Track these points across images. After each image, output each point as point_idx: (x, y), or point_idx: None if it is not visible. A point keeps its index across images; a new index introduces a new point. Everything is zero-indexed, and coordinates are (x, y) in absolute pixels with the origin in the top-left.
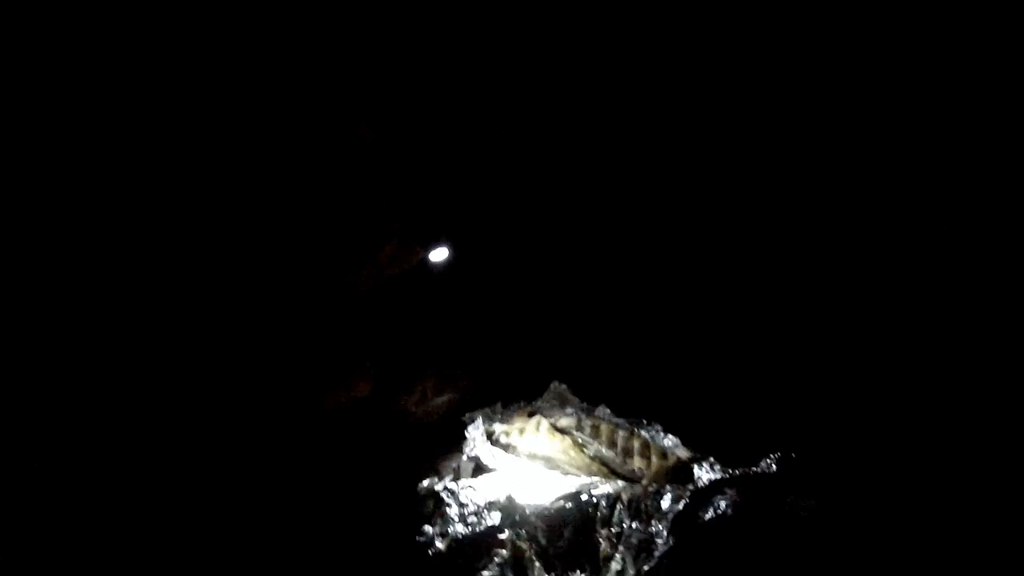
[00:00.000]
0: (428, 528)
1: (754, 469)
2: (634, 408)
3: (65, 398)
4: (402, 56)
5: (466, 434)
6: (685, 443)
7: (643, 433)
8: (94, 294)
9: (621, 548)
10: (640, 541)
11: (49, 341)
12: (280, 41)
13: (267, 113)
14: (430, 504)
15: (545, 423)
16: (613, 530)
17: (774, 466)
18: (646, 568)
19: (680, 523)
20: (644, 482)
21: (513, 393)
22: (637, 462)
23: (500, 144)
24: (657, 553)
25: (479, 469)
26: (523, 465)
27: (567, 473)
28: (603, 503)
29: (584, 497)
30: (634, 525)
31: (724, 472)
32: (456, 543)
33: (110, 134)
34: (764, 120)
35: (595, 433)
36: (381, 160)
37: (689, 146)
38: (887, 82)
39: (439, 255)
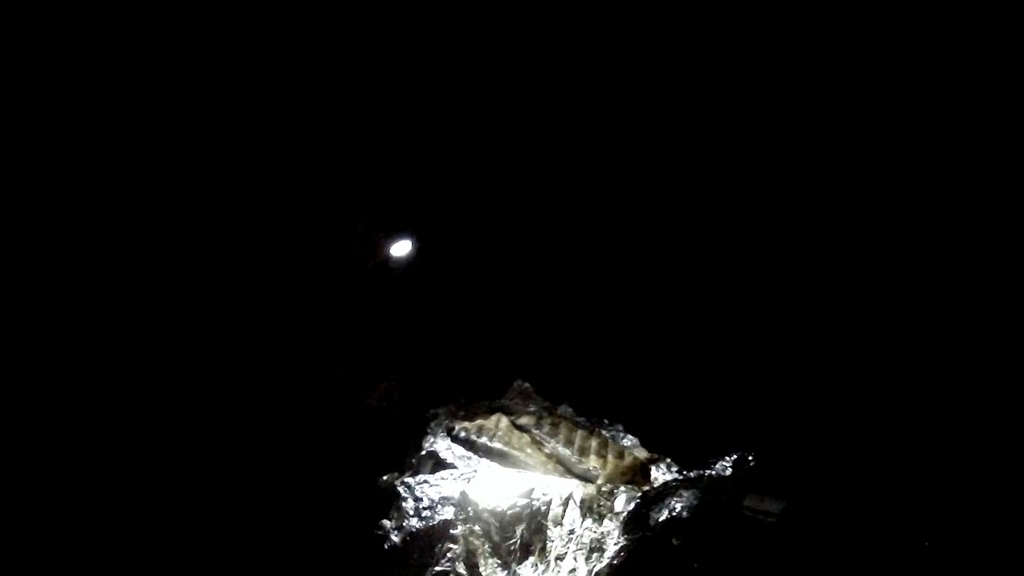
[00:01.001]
0: (385, 522)
1: (710, 472)
2: (598, 408)
3: (63, 405)
4: (369, 57)
5: (427, 430)
6: (645, 444)
7: (603, 432)
8: (90, 307)
9: (573, 547)
10: (592, 540)
11: (50, 343)
12: (249, 45)
13: (236, 117)
14: (389, 498)
15: (505, 420)
16: (566, 528)
17: (730, 468)
18: (598, 567)
19: (633, 523)
20: (599, 481)
21: (477, 390)
22: (593, 461)
23: (466, 142)
24: (609, 552)
25: (438, 465)
26: (480, 461)
27: (522, 470)
28: (556, 502)
29: (537, 495)
30: (587, 524)
31: (680, 473)
32: (410, 537)
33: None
34: (737, 119)
35: (554, 431)
36: (348, 157)
37: (649, 146)
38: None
39: (403, 250)
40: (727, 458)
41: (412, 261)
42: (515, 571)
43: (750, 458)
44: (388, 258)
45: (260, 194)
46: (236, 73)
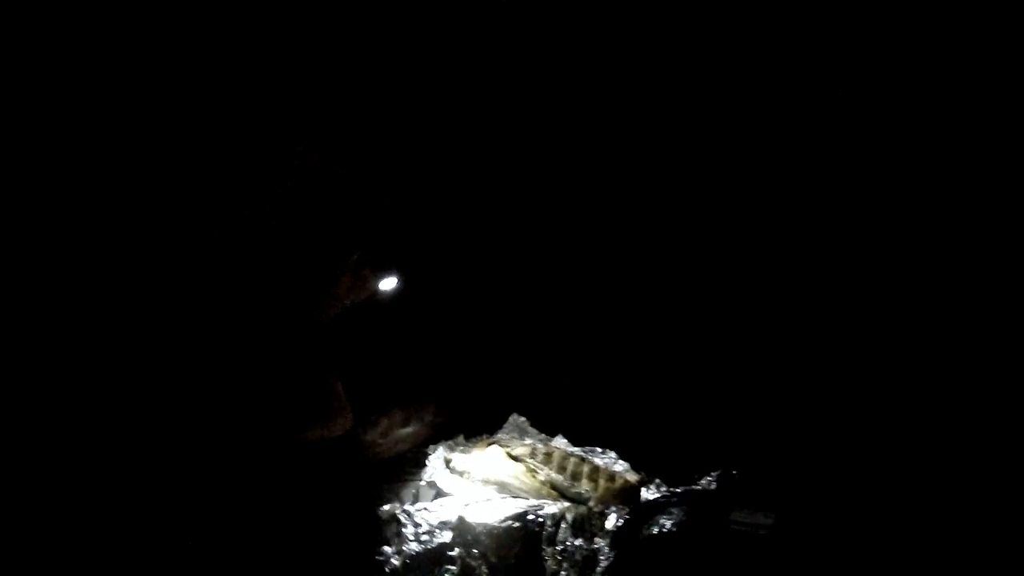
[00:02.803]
0: (387, 548)
1: (696, 488)
2: (591, 438)
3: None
4: (356, 87)
5: (427, 462)
6: (636, 468)
7: (595, 459)
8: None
9: (566, 565)
10: (584, 557)
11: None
12: (234, 72)
13: (223, 149)
14: (390, 526)
15: (501, 451)
16: (559, 547)
17: (715, 484)
18: None
19: (623, 539)
20: (591, 503)
21: (476, 426)
22: (585, 485)
23: (456, 176)
24: (601, 567)
25: (437, 494)
26: (477, 489)
27: (517, 496)
28: (549, 522)
29: (531, 517)
30: (578, 542)
31: (668, 491)
32: (410, 559)
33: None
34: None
35: (547, 460)
36: (338, 191)
37: (640, 185)
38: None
39: (391, 284)
40: (712, 474)
41: (404, 296)
42: None
43: (734, 472)
44: (377, 292)
45: (258, 232)
46: (218, 104)
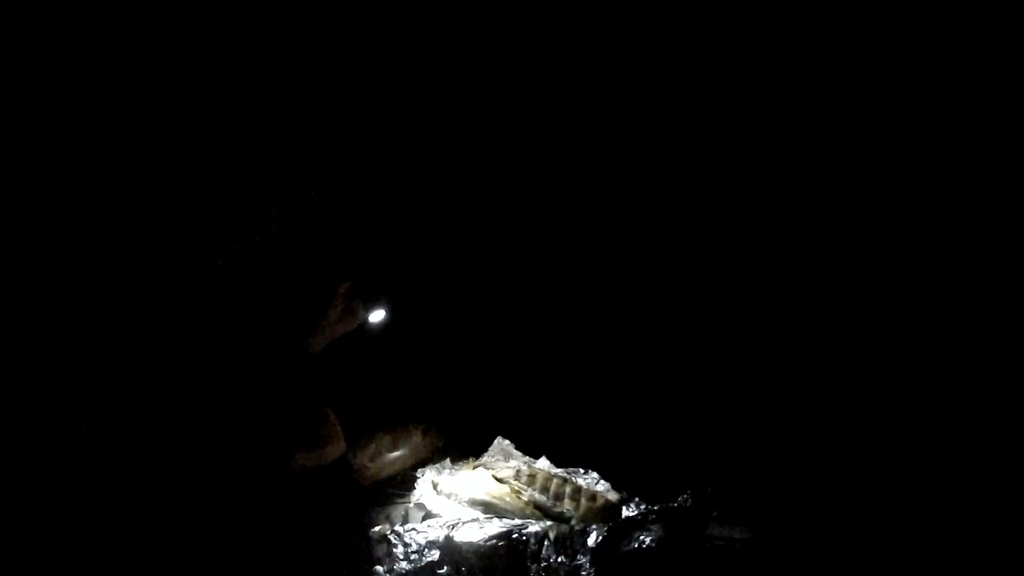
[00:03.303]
0: (379, 568)
1: (672, 504)
2: (574, 460)
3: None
4: (341, 116)
5: (415, 485)
6: (616, 487)
7: (577, 480)
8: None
9: None
10: (567, 573)
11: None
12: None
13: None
14: (381, 547)
15: (486, 474)
16: (542, 564)
17: (690, 500)
18: None
19: (603, 555)
20: (573, 522)
21: (462, 449)
22: (567, 504)
23: (438, 207)
24: None
25: (427, 515)
26: (464, 510)
27: (503, 516)
28: (532, 540)
29: (516, 535)
30: (560, 559)
31: (647, 508)
32: None
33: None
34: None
35: (531, 481)
36: (325, 223)
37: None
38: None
39: (380, 315)
40: (688, 491)
41: (390, 325)
42: None
43: (709, 489)
44: (367, 323)
45: (250, 261)
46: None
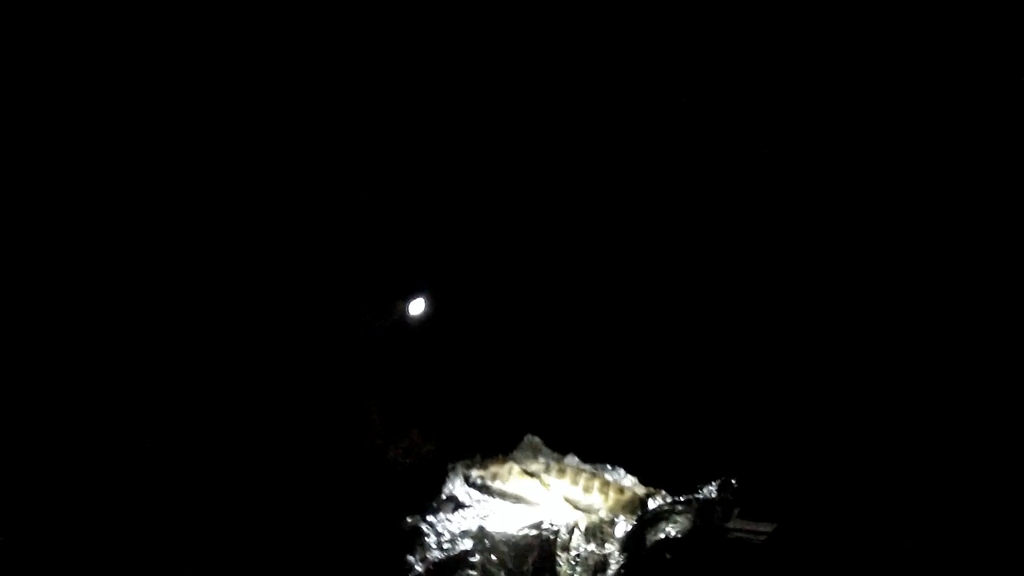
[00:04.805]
0: (410, 557)
1: (697, 496)
2: (601, 455)
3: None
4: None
5: (447, 478)
6: (643, 481)
7: (605, 475)
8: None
9: (579, 569)
10: (596, 562)
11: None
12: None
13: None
14: (414, 536)
15: (516, 467)
16: (572, 553)
17: (716, 492)
18: None
19: (631, 545)
20: (601, 513)
21: (492, 444)
22: (596, 497)
23: (476, 204)
24: (611, 571)
25: (457, 506)
26: (494, 502)
27: (532, 507)
28: (563, 531)
29: (546, 526)
30: (591, 548)
31: (673, 500)
32: (433, 567)
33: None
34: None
35: (560, 475)
36: (364, 223)
37: (633, 203)
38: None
39: (417, 308)
40: (713, 483)
41: (428, 322)
42: None
43: (733, 481)
44: (405, 317)
45: (281, 259)
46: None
